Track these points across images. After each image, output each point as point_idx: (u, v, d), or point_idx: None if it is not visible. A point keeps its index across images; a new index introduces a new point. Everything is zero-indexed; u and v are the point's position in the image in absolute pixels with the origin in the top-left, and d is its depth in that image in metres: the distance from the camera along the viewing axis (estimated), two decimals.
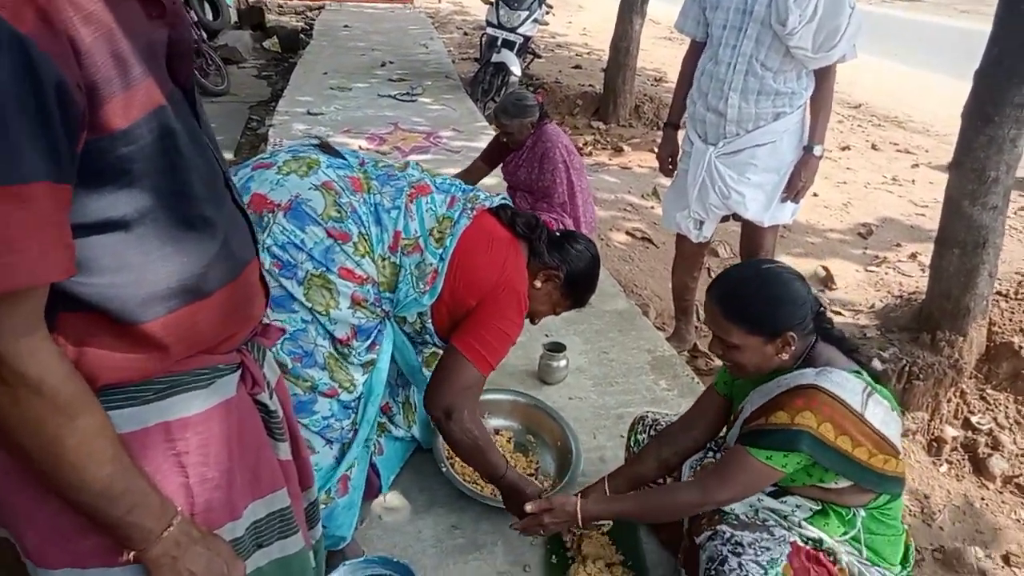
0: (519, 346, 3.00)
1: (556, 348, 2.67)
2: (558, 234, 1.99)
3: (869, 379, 1.58)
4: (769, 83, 2.52)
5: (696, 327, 3.44)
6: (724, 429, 1.89)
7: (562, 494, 1.81)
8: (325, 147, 1.76)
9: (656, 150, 5.81)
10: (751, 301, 1.58)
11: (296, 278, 1.58)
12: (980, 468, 3.12)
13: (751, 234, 2.88)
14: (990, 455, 3.14)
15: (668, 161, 2.97)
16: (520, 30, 6.72)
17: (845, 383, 1.53)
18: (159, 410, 0.85)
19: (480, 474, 1.98)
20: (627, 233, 4.34)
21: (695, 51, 2.77)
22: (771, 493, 1.69)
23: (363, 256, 1.64)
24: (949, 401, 3.30)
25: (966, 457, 3.17)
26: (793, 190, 2.68)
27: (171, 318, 0.82)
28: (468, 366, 1.75)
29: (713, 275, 4.03)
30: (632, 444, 2.06)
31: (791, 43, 2.42)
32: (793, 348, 1.58)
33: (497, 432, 2.35)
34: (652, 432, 2.03)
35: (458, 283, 1.75)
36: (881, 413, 1.55)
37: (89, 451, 0.75)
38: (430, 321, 1.82)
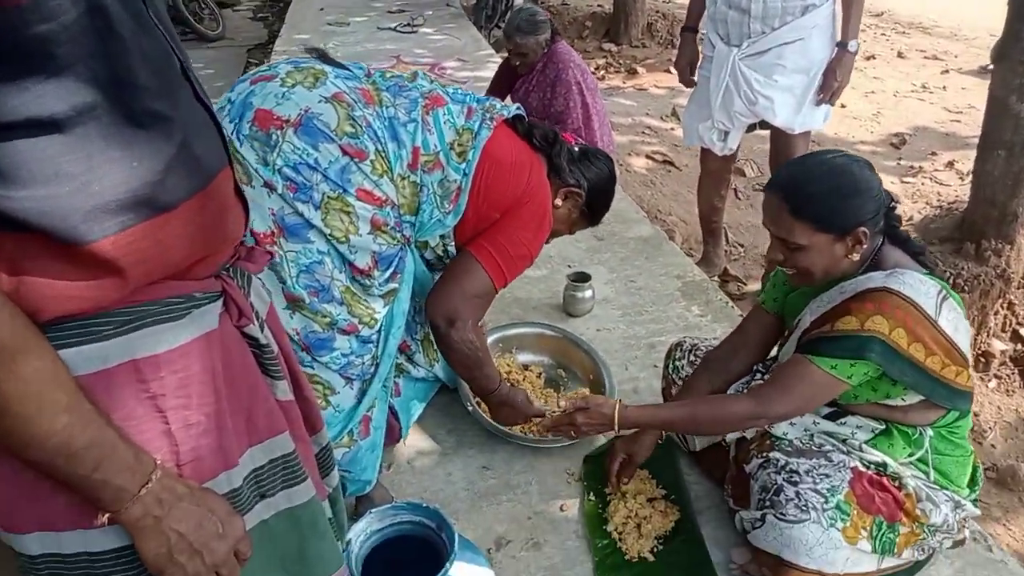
0: (541, 279, 2.90)
1: (581, 278, 2.54)
2: (576, 149, 1.83)
3: (943, 282, 1.44)
4: None
5: (725, 251, 3.28)
6: (775, 349, 1.76)
7: (598, 396, 1.72)
8: (325, 57, 1.60)
9: (673, 68, 5.65)
10: (821, 194, 1.41)
11: (312, 202, 1.44)
12: None
13: (781, 143, 2.69)
14: None
15: (688, 69, 2.76)
16: None
17: (919, 285, 1.39)
18: (123, 346, 0.73)
19: (473, 388, 1.91)
20: (647, 157, 4.14)
21: None
22: (828, 415, 1.56)
23: (381, 176, 1.50)
24: (996, 313, 3.14)
25: (1016, 371, 3.03)
26: (828, 90, 2.48)
27: (125, 236, 0.68)
28: (480, 273, 1.64)
29: (741, 196, 3.86)
30: (671, 371, 1.94)
31: None
32: (864, 247, 1.43)
33: (526, 367, 2.24)
34: (692, 358, 1.90)
35: (481, 200, 1.63)
36: (954, 320, 1.41)
37: (37, 400, 0.63)
38: (452, 243, 1.71)
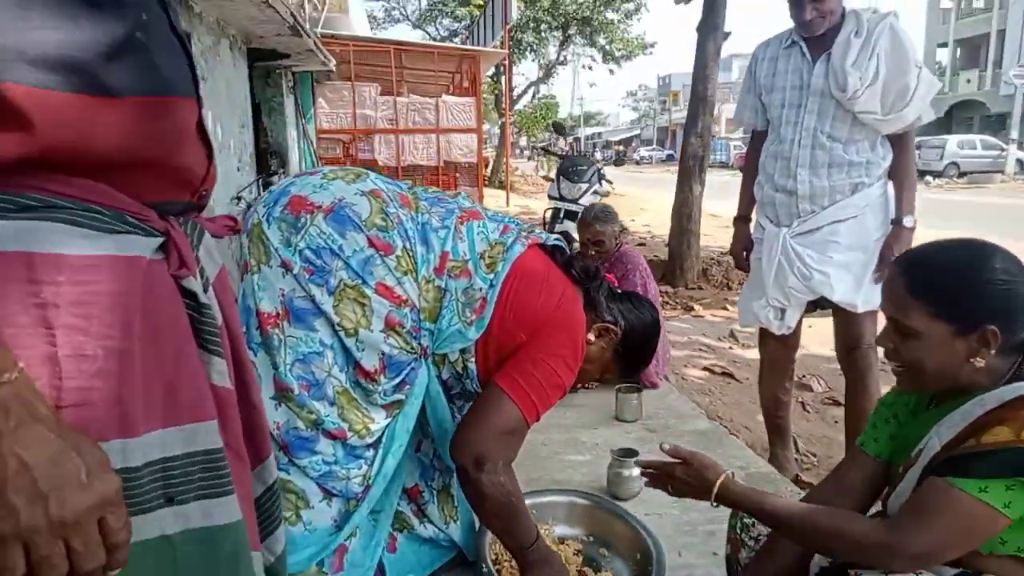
0: (584, 463, 2.64)
1: (628, 454, 2.27)
2: (618, 290, 1.73)
3: None
4: (839, 154, 2.33)
5: (796, 458, 2.93)
6: (879, 504, 1.44)
7: (707, 456, 1.43)
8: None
9: (729, 305, 5.65)
10: (946, 273, 1.21)
11: (327, 286, 1.38)
12: None
13: (845, 324, 2.50)
14: None
15: (742, 255, 2.71)
16: (581, 200, 6.86)
17: None
18: (21, 232, 0.61)
19: (505, 543, 1.58)
20: (705, 368, 3.97)
21: (757, 142, 2.64)
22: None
23: (405, 274, 1.44)
24: None
25: None
26: (885, 266, 2.35)
27: (46, 94, 0.60)
28: (511, 407, 1.45)
29: (810, 408, 3.57)
30: (739, 530, 1.61)
31: (857, 108, 2.26)
32: (991, 352, 1.17)
33: (561, 541, 1.91)
34: None
35: (508, 314, 1.51)
36: None
37: None
38: (473, 361, 1.55)
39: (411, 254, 1.44)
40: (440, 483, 1.78)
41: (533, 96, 29.04)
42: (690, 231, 6.64)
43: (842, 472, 1.47)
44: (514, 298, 1.51)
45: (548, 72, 26.06)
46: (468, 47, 13.64)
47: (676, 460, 1.41)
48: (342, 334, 1.39)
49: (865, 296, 2.40)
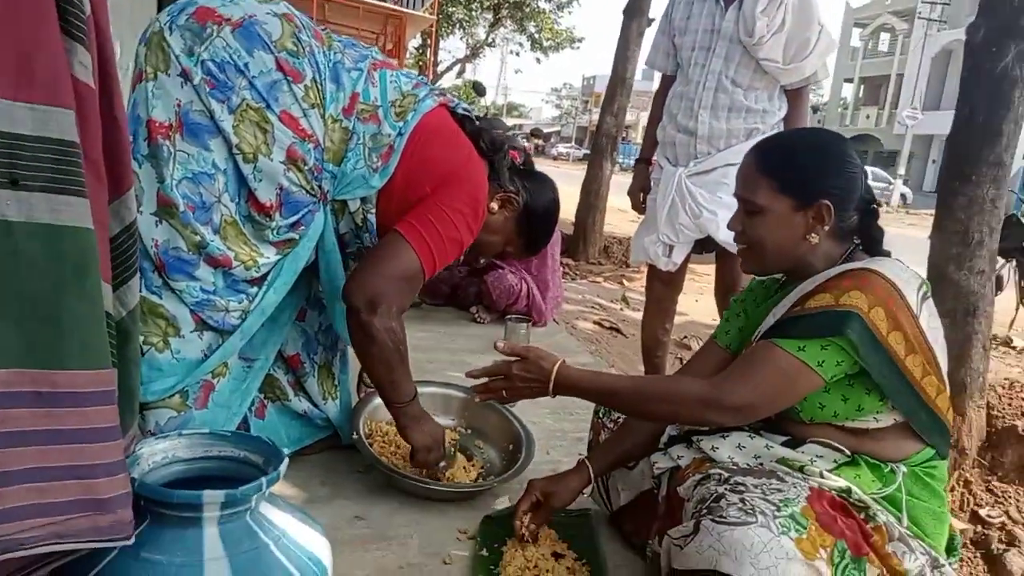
0: (463, 364, 2.67)
1: (520, 320, 2.33)
2: (521, 166, 1.75)
3: (926, 282, 1.27)
4: (740, 99, 2.45)
5: None
6: None
7: (540, 348, 1.37)
8: None
9: (624, 281, 5.82)
10: (790, 153, 1.31)
11: (229, 103, 1.32)
12: (995, 565, 2.65)
13: (727, 266, 2.64)
14: (1005, 551, 2.68)
15: (639, 196, 2.80)
16: None
17: (901, 272, 1.23)
18: None
19: (385, 395, 1.57)
20: (595, 322, 4.08)
21: (666, 86, 2.72)
22: (785, 443, 1.30)
23: (312, 107, 1.39)
24: (953, 490, 2.88)
25: (978, 554, 2.70)
26: None
27: None
28: (409, 252, 1.44)
29: (683, 360, 3.75)
30: (601, 415, 1.68)
31: (760, 55, 2.38)
32: (826, 228, 1.27)
33: None
34: None
35: (413, 166, 1.49)
36: (935, 327, 1.23)
37: None
38: (374, 213, 1.52)
39: (320, 88, 1.40)
40: (323, 358, 1.75)
41: (458, 75, 28.82)
42: (596, 207, 6.79)
43: (694, 363, 1.57)
44: (420, 151, 1.49)
45: (475, 52, 25.93)
46: (395, 7, 13.36)
47: (511, 358, 1.35)
48: (239, 158, 1.33)
49: None
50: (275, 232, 1.41)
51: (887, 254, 1.34)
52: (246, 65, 1.32)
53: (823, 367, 1.17)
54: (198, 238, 1.32)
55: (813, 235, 1.29)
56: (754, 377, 1.21)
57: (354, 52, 1.51)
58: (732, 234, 2.49)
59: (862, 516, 1.18)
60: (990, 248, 2.92)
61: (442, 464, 1.65)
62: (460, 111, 1.64)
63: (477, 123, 1.65)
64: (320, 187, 1.45)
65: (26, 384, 0.68)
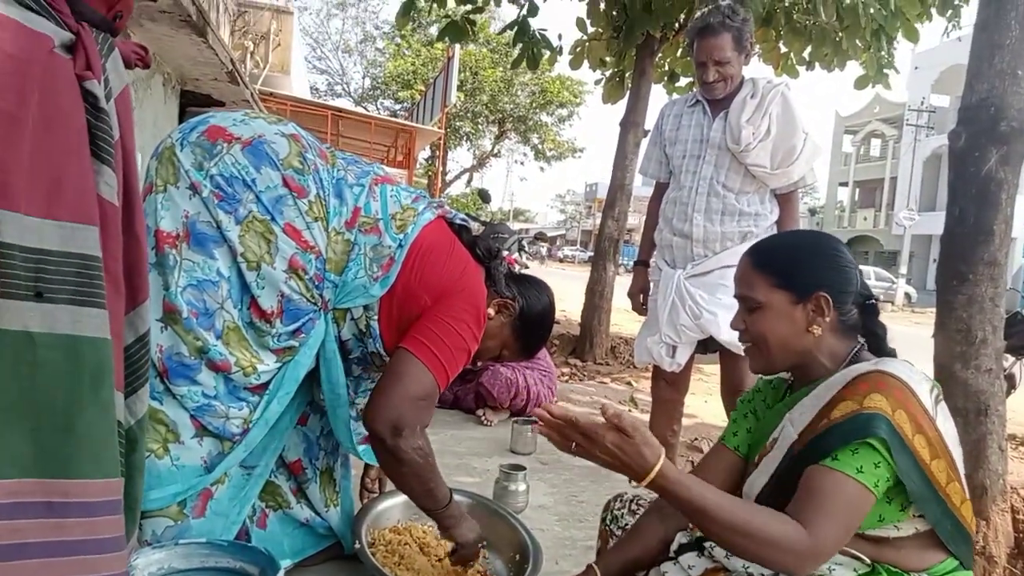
0: (469, 468, 2.60)
1: (516, 469, 2.27)
2: (517, 271, 1.80)
3: (936, 383, 1.25)
4: (732, 203, 2.53)
5: None
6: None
7: (650, 434, 1.17)
8: None
9: (632, 382, 5.79)
10: (783, 249, 1.37)
11: (236, 215, 1.38)
12: None
13: (731, 366, 2.64)
14: None
15: (639, 298, 2.85)
16: None
17: (911, 373, 1.21)
18: None
19: (423, 505, 1.57)
20: None
21: (659, 192, 2.83)
22: None
23: (315, 220, 1.45)
24: None
25: None
26: None
27: None
28: (421, 370, 1.45)
29: (694, 462, 3.66)
30: (608, 522, 1.63)
31: (748, 161, 2.48)
32: (827, 320, 1.28)
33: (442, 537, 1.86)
34: (634, 507, 1.61)
35: (414, 277, 1.53)
36: (951, 431, 1.20)
37: None
38: (376, 320, 1.55)
39: (323, 203, 1.46)
40: (324, 464, 1.73)
41: (467, 184, 29.79)
42: (601, 308, 6.85)
43: (704, 465, 1.53)
44: (421, 261, 1.54)
45: (482, 162, 26.93)
46: (405, 122, 14.01)
47: (611, 427, 1.16)
48: (243, 265, 1.37)
49: None
50: (276, 339, 1.44)
51: (892, 352, 1.34)
52: (253, 181, 1.39)
53: (864, 475, 1.12)
54: (200, 343, 1.35)
55: (815, 327, 1.29)
56: (833, 510, 1.13)
57: (356, 169, 1.58)
58: (735, 334, 2.53)
59: None
60: (995, 346, 2.92)
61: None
62: (457, 221, 1.71)
63: (475, 231, 1.72)
64: (321, 295, 1.48)
65: (37, 494, 0.69)
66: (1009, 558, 2.88)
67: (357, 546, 1.60)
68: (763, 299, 1.31)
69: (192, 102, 6.86)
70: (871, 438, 1.12)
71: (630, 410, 4.57)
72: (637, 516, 1.58)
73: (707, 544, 1.34)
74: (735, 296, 1.39)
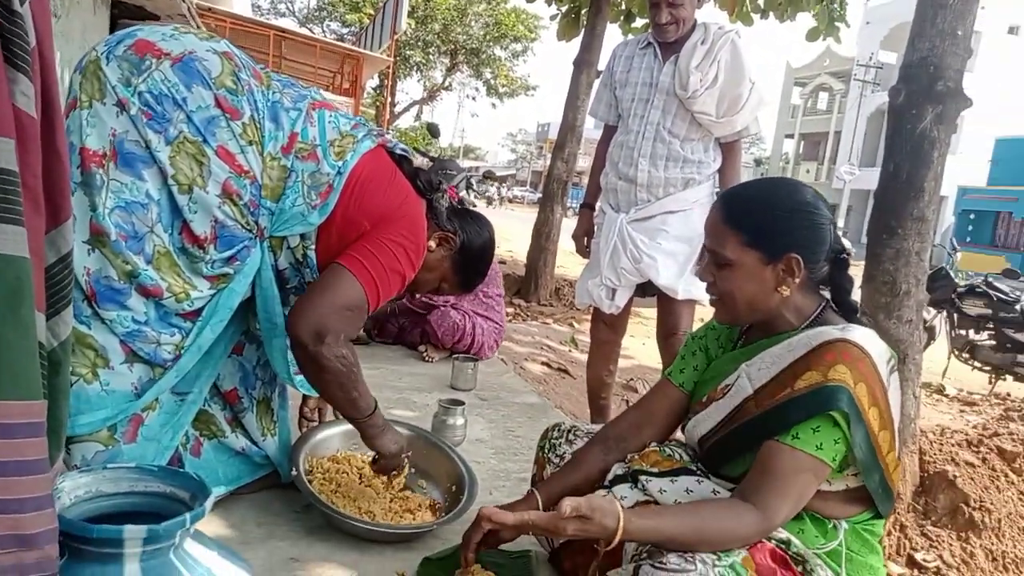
0: (408, 402, 2.64)
1: (454, 404, 2.30)
2: (458, 205, 1.79)
3: (893, 351, 1.27)
4: (677, 149, 2.55)
5: None
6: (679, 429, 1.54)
7: (599, 498, 1.24)
8: None
9: (574, 323, 5.89)
10: (756, 205, 1.30)
11: (166, 134, 1.32)
12: None
13: (667, 310, 2.71)
14: None
15: (584, 241, 2.87)
16: None
17: (874, 344, 1.23)
18: None
19: (347, 413, 1.58)
20: (543, 363, 4.10)
21: (608, 136, 2.82)
22: (731, 490, 1.30)
23: (250, 143, 1.40)
24: (889, 535, 2.95)
25: None
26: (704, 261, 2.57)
27: None
28: (352, 282, 1.45)
29: (630, 402, 3.78)
30: (546, 451, 1.68)
31: (695, 108, 2.49)
32: (797, 281, 1.27)
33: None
34: (571, 437, 1.66)
35: (352, 204, 1.51)
36: (896, 401, 1.25)
37: None
38: (313, 249, 1.53)
39: (258, 126, 1.41)
40: (261, 394, 1.72)
41: (416, 117, 29.11)
42: (548, 249, 6.89)
43: (648, 401, 1.57)
44: (360, 189, 1.51)
45: (432, 95, 26.29)
46: (352, 48, 13.51)
47: (574, 515, 1.16)
48: (175, 188, 1.33)
49: (685, 285, 2.61)
50: (209, 265, 1.41)
51: (854, 307, 1.35)
52: (184, 99, 1.34)
53: (823, 451, 1.17)
54: (129, 267, 1.31)
55: (784, 288, 1.28)
56: (788, 490, 1.18)
57: (293, 92, 1.53)
58: (672, 278, 2.59)
59: (799, 570, 1.18)
60: (917, 298, 3.06)
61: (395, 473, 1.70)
62: (398, 151, 1.68)
63: (423, 166, 1.69)
64: (256, 223, 1.45)
65: None
66: (914, 495, 3.11)
67: (294, 473, 1.62)
68: (733, 257, 1.29)
69: (124, 14, 6.45)
70: (834, 411, 1.16)
71: (570, 350, 4.65)
72: (574, 445, 1.64)
73: (642, 477, 1.38)
74: (704, 248, 1.38)
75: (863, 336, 1.24)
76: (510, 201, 42.92)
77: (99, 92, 1.30)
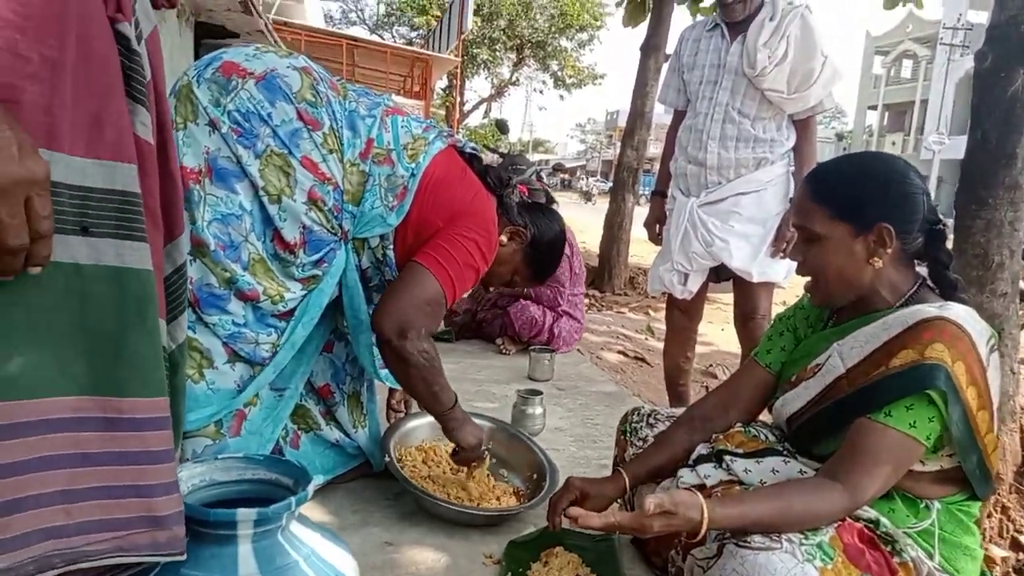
0: (488, 394, 2.71)
1: (533, 393, 2.36)
2: (528, 200, 1.84)
3: (993, 331, 1.24)
4: (747, 129, 2.51)
5: None
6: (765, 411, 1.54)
7: (681, 492, 1.22)
8: None
9: (650, 311, 5.85)
10: (842, 177, 1.29)
11: (255, 149, 1.42)
12: None
13: (743, 294, 2.67)
14: None
15: (656, 228, 2.86)
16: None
17: (974, 323, 1.20)
18: None
19: (429, 407, 1.66)
20: (619, 352, 4.11)
21: (678, 121, 2.80)
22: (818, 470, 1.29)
23: (331, 152, 1.49)
24: (990, 516, 2.83)
25: None
26: (781, 241, 2.53)
27: None
28: (430, 280, 1.52)
29: (709, 388, 3.75)
30: (627, 434, 1.72)
31: (764, 85, 2.44)
32: (889, 252, 1.24)
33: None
34: (651, 421, 1.69)
35: (427, 203, 1.58)
36: (996, 382, 1.21)
37: None
38: (392, 249, 1.61)
39: (337, 135, 1.49)
40: (351, 388, 1.82)
41: (485, 114, 29.34)
42: (620, 239, 6.86)
43: (734, 382, 1.58)
44: (433, 189, 1.58)
45: (500, 91, 26.45)
46: (421, 51, 13.74)
47: (656, 514, 1.16)
48: (265, 199, 1.42)
49: (760, 267, 2.57)
50: (300, 269, 1.50)
51: (955, 283, 1.30)
52: (269, 115, 1.42)
53: (917, 429, 1.15)
54: (228, 274, 1.41)
55: (876, 260, 1.26)
56: (877, 468, 1.17)
57: (367, 100, 1.61)
58: (746, 261, 2.56)
59: (888, 550, 1.17)
60: (1011, 270, 2.91)
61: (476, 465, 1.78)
62: (468, 150, 1.74)
63: (493, 163, 1.75)
64: (340, 226, 1.54)
65: (95, 410, 0.76)
66: (1016, 475, 2.96)
67: (387, 459, 1.71)
68: (821, 231, 1.28)
69: (206, 34, 6.80)
70: (931, 389, 1.14)
71: (646, 338, 4.64)
72: (654, 428, 1.66)
73: (726, 457, 1.39)
74: (793, 226, 1.37)
75: (962, 314, 1.20)
76: (584, 193, 42.66)
77: (192, 114, 1.40)
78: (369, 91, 1.67)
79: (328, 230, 1.52)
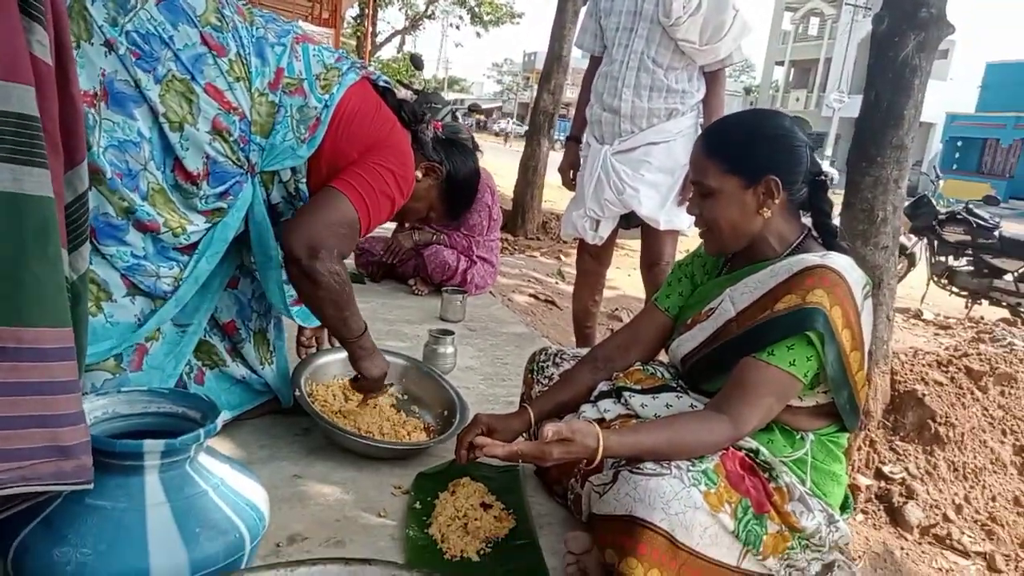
0: (399, 333, 2.73)
1: (444, 333, 2.39)
2: (442, 135, 1.83)
3: (868, 279, 1.35)
4: (661, 79, 2.57)
5: None
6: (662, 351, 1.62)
7: (578, 422, 1.32)
8: None
9: (561, 256, 5.96)
10: (734, 134, 1.38)
11: (155, 73, 1.34)
12: (896, 518, 2.90)
13: (650, 241, 2.78)
14: (905, 504, 2.94)
15: (569, 173, 2.91)
16: None
17: (852, 271, 1.30)
18: None
19: (337, 332, 1.65)
20: (530, 295, 4.19)
21: (594, 67, 2.82)
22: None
23: (237, 80, 1.42)
24: (859, 450, 3.12)
25: (881, 508, 2.95)
26: (688, 191, 2.63)
27: None
28: (345, 203, 1.49)
29: (613, 330, 3.90)
30: (535, 372, 1.78)
31: (678, 35, 2.49)
32: (777, 203, 1.34)
33: None
34: (558, 360, 1.76)
35: (340, 135, 1.55)
36: (868, 325, 1.32)
37: None
38: (305, 183, 1.57)
39: (245, 62, 1.43)
40: (258, 325, 1.79)
41: (398, 48, 28.39)
42: (535, 183, 6.90)
43: (635, 324, 1.66)
44: (348, 121, 1.55)
45: (415, 24, 25.57)
46: None
47: (556, 439, 1.23)
48: (166, 126, 1.36)
49: (668, 216, 2.67)
50: (203, 201, 1.45)
51: (835, 230, 1.41)
52: (171, 38, 1.35)
53: (796, 367, 1.25)
54: (126, 203, 1.35)
55: (765, 210, 1.35)
56: (758, 401, 1.27)
57: (276, 27, 1.55)
58: (655, 209, 2.65)
59: (766, 476, 1.29)
60: (894, 225, 3.14)
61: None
62: (381, 84, 1.71)
63: (407, 99, 1.73)
64: (247, 159, 1.49)
65: None
66: (884, 413, 3.26)
67: (296, 393, 1.71)
68: (715, 185, 1.36)
69: None
70: (809, 331, 1.24)
71: (556, 282, 4.74)
72: (560, 367, 1.73)
73: (625, 393, 1.48)
74: (691, 182, 1.45)
75: (841, 263, 1.30)
76: (496, 135, 42.27)
77: (86, 32, 1.31)
78: (277, 17, 1.60)
79: (234, 162, 1.46)
